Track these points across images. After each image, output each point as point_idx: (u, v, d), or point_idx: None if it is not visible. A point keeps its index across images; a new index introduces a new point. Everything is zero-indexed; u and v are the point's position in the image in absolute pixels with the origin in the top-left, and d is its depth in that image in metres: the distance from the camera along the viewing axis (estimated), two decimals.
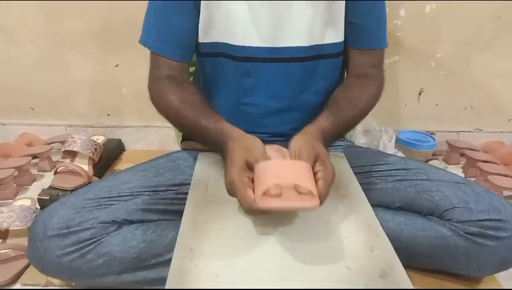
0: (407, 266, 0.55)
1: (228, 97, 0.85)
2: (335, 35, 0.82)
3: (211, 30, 0.79)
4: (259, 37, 0.78)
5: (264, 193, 0.54)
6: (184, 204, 0.67)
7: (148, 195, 0.78)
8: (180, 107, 0.75)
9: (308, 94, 0.84)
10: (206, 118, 0.72)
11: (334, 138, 0.77)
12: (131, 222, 0.75)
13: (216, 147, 0.71)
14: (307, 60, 0.81)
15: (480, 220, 0.75)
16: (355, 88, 0.83)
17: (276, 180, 0.55)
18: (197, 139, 0.82)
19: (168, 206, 0.78)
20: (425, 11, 1.37)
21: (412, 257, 0.80)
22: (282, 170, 0.57)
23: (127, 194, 0.77)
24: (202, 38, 0.80)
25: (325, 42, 0.81)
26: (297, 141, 0.65)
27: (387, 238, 0.59)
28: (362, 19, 0.82)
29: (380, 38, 0.86)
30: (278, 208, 0.55)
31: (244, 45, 0.78)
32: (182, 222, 0.62)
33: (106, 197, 0.75)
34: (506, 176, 1.25)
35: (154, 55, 0.80)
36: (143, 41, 0.81)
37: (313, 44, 0.80)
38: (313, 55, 0.81)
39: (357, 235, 0.60)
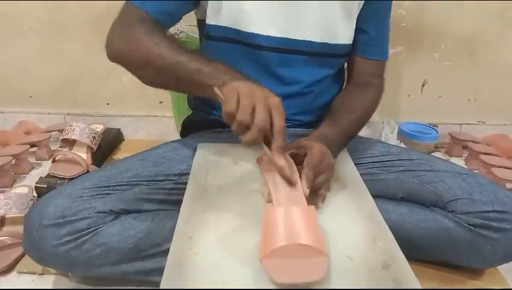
0: (410, 257, 0.54)
1: None
2: (346, 36, 0.84)
3: (221, 13, 0.77)
4: (270, 26, 0.78)
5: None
6: (183, 194, 0.65)
7: (146, 185, 0.76)
8: (164, 42, 0.68)
9: (310, 83, 0.85)
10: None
11: (338, 144, 0.76)
12: (128, 212, 0.73)
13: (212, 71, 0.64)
14: (315, 55, 0.83)
15: (484, 212, 0.74)
16: (354, 95, 0.87)
17: (284, 240, 0.49)
18: (173, 76, 0.68)
19: (166, 196, 0.77)
20: (429, 1, 1.34)
21: (414, 248, 0.79)
22: (290, 224, 0.52)
23: (125, 183, 0.75)
24: (212, 20, 0.79)
25: (336, 42, 0.83)
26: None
27: (389, 230, 0.58)
28: (374, 29, 0.86)
29: (385, 51, 0.91)
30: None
31: (255, 32, 0.78)
32: (180, 210, 0.61)
33: (103, 187, 0.73)
34: (509, 168, 1.24)
35: (129, 5, 0.74)
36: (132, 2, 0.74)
37: (324, 41, 0.81)
38: (323, 52, 0.83)
39: (359, 227, 0.59)
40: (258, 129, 0.56)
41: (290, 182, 0.60)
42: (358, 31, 0.85)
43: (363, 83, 0.89)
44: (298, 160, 0.65)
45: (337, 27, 0.81)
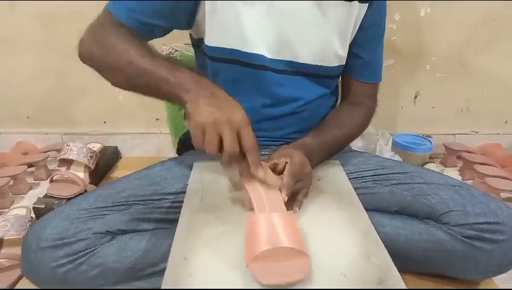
0: (405, 270, 0.55)
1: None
2: (341, 59, 0.86)
3: (219, 33, 0.78)
4: (268, 48, 0.80)
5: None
6: (179, 213, 0.66)
7: (143, 204, 0.77)
8: (135, 44, 0.68)
9: (306, 102, 0.86)
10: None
11: (318, 155, 0.80)
12: (125, 232, 0.74)
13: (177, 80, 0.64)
14: (311, 76, 0.85)
15: (477, 223, 0.74)
16: (344, 113, 0.91)
17: (267, 245, 0.52)
18: (142, 79, 0.67)
19: (163, 215, 0.78)
20: (420, 14, 1.37)
21: (409, 261, 0.79)
22: (272, 229, 0.55)
23: (122, 203, 0.76)
24: (209, 41, 0.80)
25: (331, 65, 0.85)
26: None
27: (383, 246, 0.59)
28: (367, 54, 0.89)
29: (379, 73, 0.93)
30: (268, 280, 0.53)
31: (255, 52, 0.79)
32: (176, 230, 0.61)
33: (101, 207, 0.74)
34: (503, 178, 1.25)
35: (105, 11, 0.74)
36: (108, 8, 0.74)
37: (320, 64, 0.83)
38: (318, 73, 0.85)
39: (353, 243, 0.59)
40: (229, 155, 0.59)
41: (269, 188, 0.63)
42: (353, 55, 0.88)
43: (355, 103, 0.92)
44: (280, 169, 0.69)
45: (332, 51, 0.83)
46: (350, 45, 0.86)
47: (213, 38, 0.79)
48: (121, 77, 0.70)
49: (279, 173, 0.69)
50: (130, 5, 0.73)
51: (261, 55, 0.79)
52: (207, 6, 0.76)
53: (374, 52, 0.90)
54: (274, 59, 0.80)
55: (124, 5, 0.73)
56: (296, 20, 0.79)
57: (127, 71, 0.67)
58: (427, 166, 1.39)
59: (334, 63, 0.85)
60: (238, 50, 0.78)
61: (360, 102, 0.92)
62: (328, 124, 0.87)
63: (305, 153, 0.73)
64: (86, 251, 0.69)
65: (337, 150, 0.87)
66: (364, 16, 0.83)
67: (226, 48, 0.79)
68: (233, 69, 0.81)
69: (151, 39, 0.78)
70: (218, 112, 0.59)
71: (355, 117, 0.90)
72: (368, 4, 0.82)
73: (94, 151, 1.30)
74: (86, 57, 0.74)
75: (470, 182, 1.32)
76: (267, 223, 0.56)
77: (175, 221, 0.64)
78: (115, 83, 0.72)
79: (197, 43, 0.85)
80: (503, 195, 1.20)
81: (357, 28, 0.84)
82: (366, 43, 0.87)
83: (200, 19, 0.78)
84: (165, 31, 0.80)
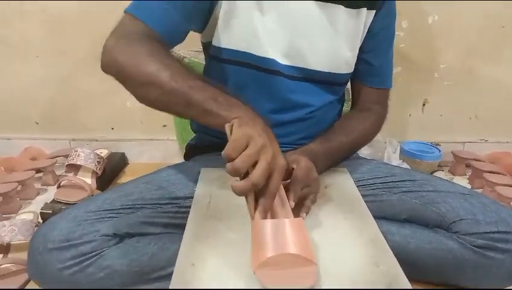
0: (414, 279, 0.54)
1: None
2: (350, 66, 0.87)
3: (232, 35, 0.79)
4: (280, 53, 0.80)
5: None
6: (186, 218, 0.66)
7: (150, 208, 0.77)
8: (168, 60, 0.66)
9: (315, 109, 0.86)
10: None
11: (324, 161, 0.80)
12: (132, 235, 0.74)
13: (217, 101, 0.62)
14: (321, 83, 0.85)
15: (488, 233, 0.73)
16: (353, 119, 0.90)
17: (273, 251, 0.51)
18: (177, 102, 0.65)
19: (170, 219, 0.77)
20: (427, 22, 1.37)
21: (418, 270, 0.78)
22: (279, 235, 0.54)
23: (129, 206, 0.76)
24: (220, 42, 0.80)
25: (341, 72, 0.85)
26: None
27: (392, 253, 0.58)
28: (377, 60, 0.89)
29: (389, 80, 0.93)
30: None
31: (269, 57, 0.79)
32: (183, 236, 0.61)
33: (108, 210, 0.74)
34: None
35: (131, 17, 0.71)
36: (134, 12, 0.71)
37: (330, 71, 0.84)
38: (329, 80, 0.85)
39: (362, 251, 0.59)
40: (252, 183, 0.52)
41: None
42: (362, 61, 0.88)
43: (365, 109, 0.92)
44: (286, 175, 0.67)
45: (342, 58, 0.84)
46: (359, 51, 0.86)
47: (224, 39, 0.79)
48: (155, 93, 0.65)
49: (286, 179, 0.68)
50: (157, 11, 0.70)
51: (274, 60, 0.80)
52: (223, 6, 0.76)
53: (384, 58, 0.90)
54: (286, 65, 0.81)
55: (151, 10, 0.70)
56: (307, 28, 0.79)
57: (167, 87, 0.63)
58: (435, 174, 1.38)
59: (343, 70, 0.85)
60: (251, 53, 0.79)
61: (370, 108, 0.92)
62: (336, 131, 0.87)
63: (311, 158, 0.73)
64: (92, 253, 0.69)
65: (343, 157, 0.87)
66: (372, 22, 0.83)
67: (239, 51, 0.79)
68: (244, 72, 0.81)
69: (176, 45, 0.77)
70: (268, 141, 0.56)
71: (364, 123, 0.90)
72: (375, 11, 0.82)
73: (101, 157, 1.30)
74: (111, 66, 0.69)
75: (479, 190, 1.30)
76: (274, 229, 0.54)
77: (182, 226, 0.64)
78: (146, 100, 0.68)
79: (207, 46, 0.86)
80: None
81: (365, 34, 0.85)
82: (376, 49, 0.87)
83: (215, 20, 0.79)
84: (186, 35, 0.78)
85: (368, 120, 0.90)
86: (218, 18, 0.78)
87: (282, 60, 0.80)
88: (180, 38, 0.77)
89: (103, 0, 1.30)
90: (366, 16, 0.82)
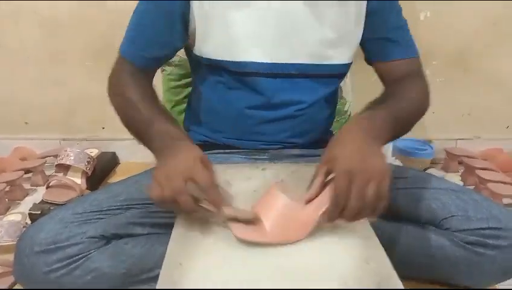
0: (405, 276, 0.53)
1: (226, 105, 0.84)
2: (343, 56, 0.82)
3: (208, 44, 0.78)
4: (262, 53, 0.78)
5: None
6: (174, 217, 0.65)
7: (138, 208, 0.76)
8: (138, 100, 0.75)
9: (304, 106, 0.84)
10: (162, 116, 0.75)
11: (387, 125, 0.67)
12: (120, 236, 0.73)
13: (163, 141, 0.70)
14: (309, 77, 0.82)
15: (480, 229, 0.73)
16: (397, 86, 0.81)
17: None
18: (140, 135, 0.78)
19: (158, 219, 0.76)
20: (419, 19, 1.37)
21: (410, 267, 0.77)
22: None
23: (117, 207, 0.75)
24: (199, 52, 0.80)
25: (331, 62, 0.82)
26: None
27: (383, 250, 0.57)
28: (389, 32, 0.83)
29: (411, 48, 0.86)
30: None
31: (245, 60, 0.78)
32: (171, 236, 0.60)
33: (96, 211, 0.73)
34: (505, 183, 1.24)
35: (120, 57, 0.81)
36: (120, 48, 0.81)
37: (317, 62, 0.80)
38: (317, 73, 0.82)
39: (353, 248, 0.58)
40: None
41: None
42: (375, 41, 0.83)
43: (399, 78, 0.83)
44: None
45: (330, 47, 0.80)
46: (369, 33, 0.82)
47: (205, 50, 0.79)
48: (126, 127, 0.80)
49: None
50: (133, 44, 0.79)
51: (254, 62, 0.78)
52: (196, 14, 0.75)
53: (397, 28, 0.83)
54: (268, 63, 0.79)
55: (129, 44, 0.79)
56: (291, 23, 0.77)
57: (132, 124, 0.79)
58: (428, 171, 1.37)
59: (334, 60, 0.82)
60: (230, 61, 0.78)
61: (402, 77, 0.82)
62: (388, 99, 0.76)
63: (361, 138, 0.60)
64: (79, 256, 0.68)
65: (406, 125, 0.76)
66: (368, 3, 0.80)
67: (217, 59, 0.78)
68: (226, 75, 0.80)
69: (165, 62, 0.85)
70: (175, 171, 0.61)
71: (412, 86, 0.80)
72: None
73: (91, 156, 1.29)
74: (112, 103, 0.81)
75: (471, 187, 1.30)
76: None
77: (170, 225, 0.63)
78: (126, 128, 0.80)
79: (189, 50, 0.84)
80: (506, 201, 1.19)
81: (363, 17, 0.81)
82: (384, 23, 0.82)
83: (192, 34, 0.78)
84: (173, 54, 0.84)
85: (413, 83, 0.81)
86: (195, 32, 0.77)
87: (265, 59, 0.78)
88: (165, 59, 0.86)
89: (97, 0, 1.29)
90: (358, 1, 0.78)
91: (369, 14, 0.81)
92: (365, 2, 0.80)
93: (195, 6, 0.75)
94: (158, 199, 0.60)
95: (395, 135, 0.72)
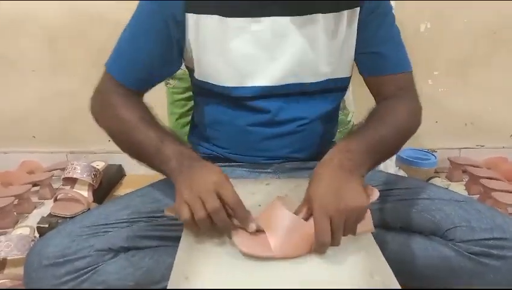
0: (410, 287, 0.53)
1: (228, 123, 0.85)
2: (343, 71, 0.83)
3: (207, 70, 0.80)
4: (262, 76, 0.79)
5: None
6: (182, 230, 0.66)
7: (145, 221, 0.77)
8: (139, 122, 0.75)
9: (305, 122, 0.85)
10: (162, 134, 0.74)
11: (366, 155, 0.69)
12: (127, 249, 0.73)
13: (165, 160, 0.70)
14: (307, 95, 0.83)
15: (483, 239, 0.73)
16: (385, 106, 0.82)
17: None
18: (137, 154, 0.78)
19: (165, 232, 0.77)
20: (420, 30, 1.38)
21: (414, 278, 0.78)
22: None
23: (124, 221, 0.75)
24: (199, 76, 0.81)
25: (332, 77, 0.82)
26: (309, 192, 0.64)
27: (386, 263, 0.58)
28: (380, 47, 0.82)
29: (403, 62, 0.84)
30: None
31: (246, 85, 0.79)
32: (178, 249, 0.61)
33: (103, 225, 0.74)
34: (510, 192, 1.24)
35: (107, 73, 0.80)
36: (107, 66, 0.80)
37: (317, 80, 0.81)
38: (312, 90, 0.82)
39: (356, 261, 0.59)
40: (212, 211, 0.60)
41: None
42: (366, 55, 0.83)
43: (390, 96, 0.82)
44: None
45: (329, 65, 0.81)
46: (360, 47, 0.82)
47: (204, 74, 0.80)
48: (121, 146, 0.80)
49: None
50: (125, 64, 0.78)
51: (255, 86, 0.79)
52: (192, 42, 0.77)
53: (386, 42, 0.81)
54: (269, 86, 0.79)
55: (120, 64, 0.78)
56: (285, 45, 0.77)
57: (123, 143, 0.79)
58: (432, 181, 1.38)
59: (332, 75, 0.82)
60: (231, 87, 0.79)
61: (393, 95, 0.82)
62: (369, 124, 0.77)
63: (335, 173, 0.63)
64: (88, 269, 0.69)
65: (388, 150, 0.77)
66: (360, 18, 0.79)
67: (219, 85, 0.80)
68: (228, 99, 0.82)
69: (153, 87, 0.84)
70: (199, 185, 0.62)
71: (396, 110, 0.79)
72: (358, 8, 0.79)
73: (98, 169, 1.30)
74: (96, 122, 0.82)
75: (476, 196, 1.30)
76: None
77: (178, 238, 0.64)
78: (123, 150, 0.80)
79: (190, 70, 0.86)
80: (511, 209, 1.18)
81: (355, 31, 0.80)
82: (374, 37, 0.81)
83: (189, 57, 0.80)
84: (168, 75, 0.86)
85: (399, 105, 0.80)
86: (192, 56, 0.79)
87: (266, 82, 0.79)
88: (154, 82, 0.84)
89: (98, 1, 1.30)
90: (349, 15, 0.78)
91: (361, 25, 0.80)
92: (357, 17, 0.79)
93: (190, 34, 0.77)
94: (190, 220, 0.61)
95: (377, 161, 0.75)
